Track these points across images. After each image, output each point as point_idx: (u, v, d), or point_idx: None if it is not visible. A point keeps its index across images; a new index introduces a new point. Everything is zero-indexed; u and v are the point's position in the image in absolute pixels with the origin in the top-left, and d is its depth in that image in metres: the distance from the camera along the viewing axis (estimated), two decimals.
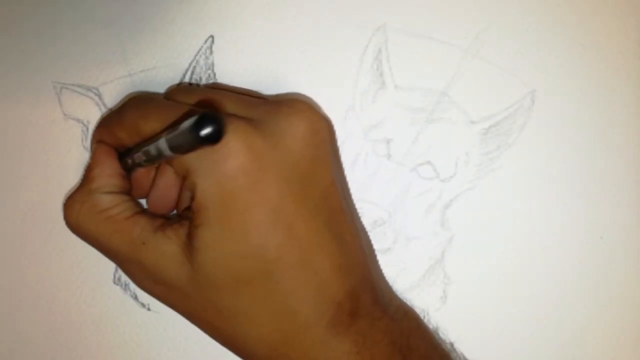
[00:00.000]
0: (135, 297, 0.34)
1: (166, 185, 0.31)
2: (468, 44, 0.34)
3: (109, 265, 0.34)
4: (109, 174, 0.30)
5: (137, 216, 0.30)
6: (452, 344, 0.33)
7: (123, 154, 0.31)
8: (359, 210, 0.34)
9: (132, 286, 0.34)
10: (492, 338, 0.34)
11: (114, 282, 0.34)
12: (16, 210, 0.34)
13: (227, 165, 0.27)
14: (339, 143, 0.34)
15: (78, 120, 0.34)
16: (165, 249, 0.28)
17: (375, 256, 0.33)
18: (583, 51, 0.34)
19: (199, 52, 0.34)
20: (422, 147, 0.34)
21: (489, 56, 0.34)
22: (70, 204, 0.30)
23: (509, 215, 0.34)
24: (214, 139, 0.22)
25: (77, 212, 0.30)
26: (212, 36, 0.34)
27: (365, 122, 0.34)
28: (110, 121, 0.31)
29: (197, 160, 0.27)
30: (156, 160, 0.28)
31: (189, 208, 0.29)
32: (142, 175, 0.31)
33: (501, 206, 0.34)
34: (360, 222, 0.33)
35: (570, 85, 0.34)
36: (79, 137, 0.34)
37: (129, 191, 0.31)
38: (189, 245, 0.28)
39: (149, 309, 0.34)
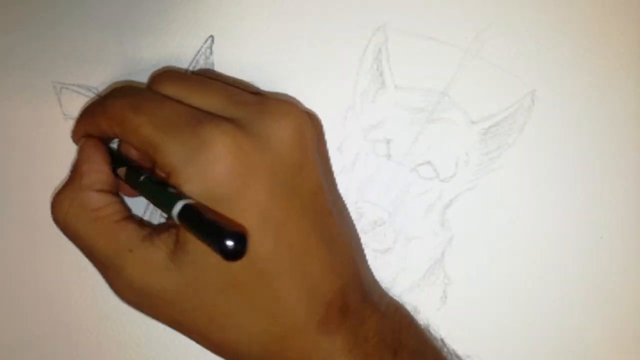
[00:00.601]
0: None
1: None
2: (468, 44, 0.34)
3: None
4: (99, 169, 0.30)
5: (125, 221, 0.29)
6: (442, 340, 0.33)
7: (115, 160, 0.31)
8: (359, 211, 0.34)
9: None
10: (492, 338, 0.34)
11: None
12: (16, 210, 0.34)
13: (215, 170, 0.26)
14: (339, 143, 0.34)
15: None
16: (152, 258, 0.28)
17: (364, 254, 0.33)
18: (583, 51, 0.34)
19: (199, 52, 0.34)
20: (422, 147, 0.34)
21: (489, 56, 0.34)
22: (60, 200, 0.29)
23: (509, 215, 0.34)
24: (235, 258, 0.23)
25: (65, 210, 0.29)
26: (212, 36, 0.34)
27: (365, 122, 0.34)
28: (93, 111, 0.30)
29: (184, 164, 0.26)
30: (149, 197, 0.28)
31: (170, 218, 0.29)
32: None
33: (501, 206, 0.34)
34: (349, 219, 0.33)
35: (570, 85, 0.34)
36: None
37: (117, 190, 0.31)
38: (178, 251, 0.27)
39: None
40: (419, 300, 0.34)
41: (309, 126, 0.29)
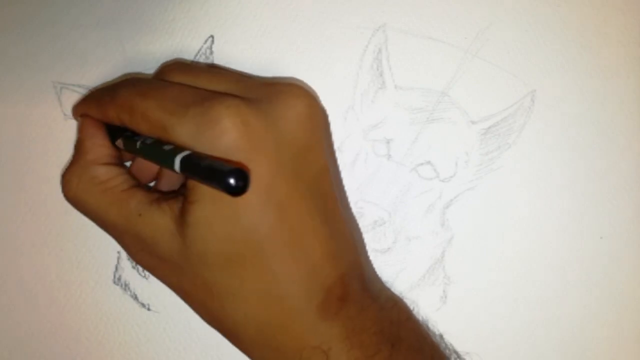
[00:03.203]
0: (135, 297, 0.34)
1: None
2: (468, 44, 0.34)
3: (109, 265, 0.34)
4: (102, 144, 0.31)
5: (133, 189, 0.30)
6: (441, 336, 0.33)
7: (113, 134, 0.31)
8: (359, 211, 0.34)
9: (132, 286, 0.34)
10: (492, 338, 0.34)
11: (114, 282, 0.34)
12: (16, 210, 0.34)
13: (221, 143, 0.26)
14: (339, 143, 0.34)
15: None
16: (159, 221, 0.28)
17: (365, 245, 0.33)
18: (583, 51, 0.34)
19: (199, 52, 0.34)
20: (422, 147, 0.34)
21: (489, 56, 0.34)
22: (68, 177, 0.30)
23: (509, 215, 0.34)
24: (238, 193, 0.24)
25: (75, 186, 0.30)
26: (212, 36, 0.34)
27: (365, 122, 0.34)
28: (101, 97, 0.31)
29: (193, 141, 0.27)
30: (150, 160, 0.29)
31: (185, 185, 0.29)
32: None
33: (501, 206, 0.34)
34: (350, 211, 0.33)
35: (570, 85, 0.34)
36: None
37: (122, 161, 0.32)
38: (182, 220, 0.28)
39: (149, 309, 0.34)
40: (419, 300, 0.34)
41: (318, 109, 0.29)
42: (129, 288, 0.34)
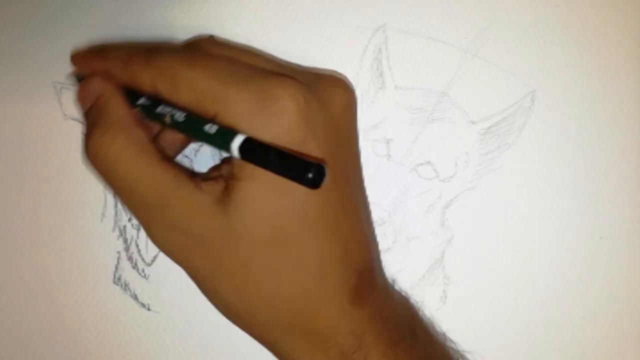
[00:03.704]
0: (135, 297, 0.34)
1: (172, 132, 0.30)
2: (468, 44, 0.34)
3: (109, 265, 0.34)
4: (127, 103, 0.28)
5: (170, 162, 0.28)
6: (444, 334, 0.34)
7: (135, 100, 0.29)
8: None
9: (132, 286, 0.34)
10: (492, 338, 0.34)
11: (114, 282, 0.34)
12: (16, 210, 0.34)
13: (283, 121, 0.26)
14: None
15: (78, 120, 0.34)
16: (199, 198, 0.27)
17: (377, 243, 0.33)
18: (583, 51, 0.34)
19: None
20: (422, 147, 0.34)
21: (489, 56, 0.34)
22: (100, 135, 0.27)
23: (508, 215, 0.34)
24: (315, 185, 0.24)
25: (108, 145, 0.27)
26: (212, 36, 0.34)
27: (365, 122, 0.34)
28: (129, 58, 0.28)
29: (251, 114, 0.26)
30: (185, 133, 0.27)
31: (218, 167, 0.29)
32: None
33: (501, 206, 0.34)
34: (369, 205, 0.33)
35: (570, 85, 0.34)
36: (79, 137, 0.34)
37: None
38: (226, 198, 0.27)
39: (149, 309, 0.34)
40: (419, 300, 0.34)
41: (356, 100, 0.30)
42: (129, 288, 0.34)
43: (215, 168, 0.31)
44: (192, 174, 0.28)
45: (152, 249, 0.34)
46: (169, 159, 0.29)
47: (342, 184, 0.28)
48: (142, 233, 0.34)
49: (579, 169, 0.34)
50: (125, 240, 0.34)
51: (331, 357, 0.28)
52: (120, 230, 0.34)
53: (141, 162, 0.27)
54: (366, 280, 0.29)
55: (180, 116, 0.27)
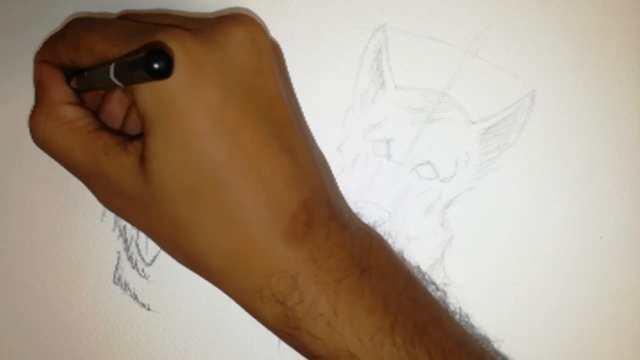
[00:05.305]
0: (135, 297, 0.34)
1: (115, 100, 0.32)
2: (468, 44, 0.34)
3: (109, 265, 0.34)
4: (62, 83, 0.31)
5: (100, 130, 0.30)
6: (418, 267, 0.33)
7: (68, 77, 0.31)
8: (359, 211, 0.34)
9: (132, 286, 0.34)
10: (492, 337, 0.34)
11: (114, 282, 0.34)
12: (16, 210, 0.34)
13: None
14: (339, 143, 0.34)
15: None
16: (124, 161, 0.28)
17: (331, 173, 0.33)
18: (583, 51, 0.34)
19: None
20: (422, 147, 0.34)
21: (489, 56, 0.34)
22: (35, 118, 0.30)
23: (509, 215, 0.34)
24: (165, 73, 0.23)
25: (42, 127, 0.30)
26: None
27: (365, 122, 0.34)
28: (52, 38, 0.31)
29: None
30: (99, 87, 0.29)
31: None
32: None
33: (501, 206, 0.34)
34: (314, 142, 0.33)
35: (570, 85, 0.34)
36: None
37: (83, 103, 0.31)
38: (145, 156, 0.28)
39: (149, 309, 0.34)
40: None
41: (263, 35, 0.29)
42: (129, 288, 0.34)
43: None
44: (122, 138, 0.29)
45: (152, 249, 0.34)
46: (102, 126, 0.30)
47: (256, 123, 0.28)
48: (142, 233, 0.34)
49: (579, 169, 0.34)
50: (125, 240, 0.34)
51: (266, 297, 0.28)
52: (120, 230, 0.35)
53: (73, 135, 0.30)
54: (301, 219, 0.28)
55: (86, 77, 0.29)
